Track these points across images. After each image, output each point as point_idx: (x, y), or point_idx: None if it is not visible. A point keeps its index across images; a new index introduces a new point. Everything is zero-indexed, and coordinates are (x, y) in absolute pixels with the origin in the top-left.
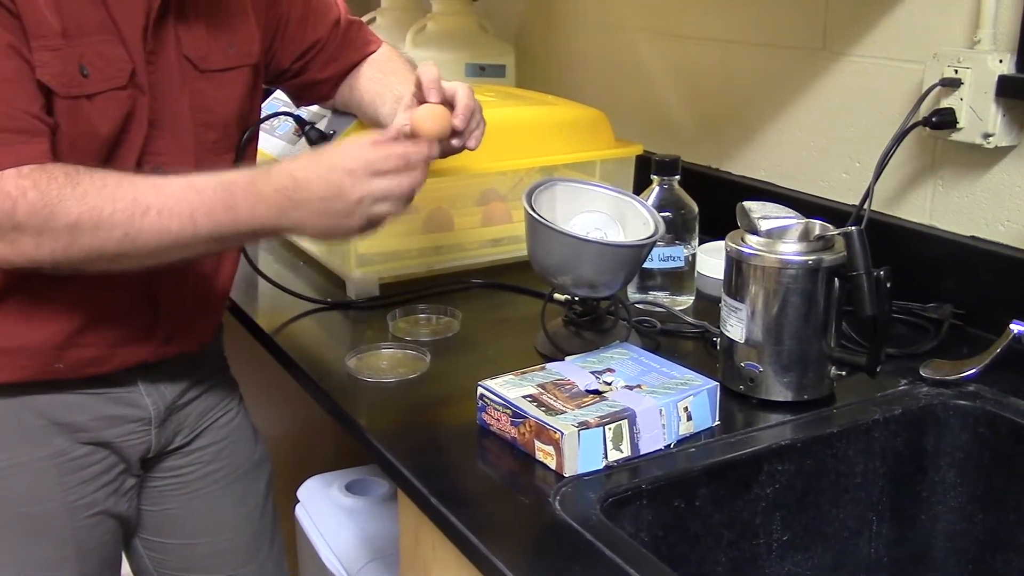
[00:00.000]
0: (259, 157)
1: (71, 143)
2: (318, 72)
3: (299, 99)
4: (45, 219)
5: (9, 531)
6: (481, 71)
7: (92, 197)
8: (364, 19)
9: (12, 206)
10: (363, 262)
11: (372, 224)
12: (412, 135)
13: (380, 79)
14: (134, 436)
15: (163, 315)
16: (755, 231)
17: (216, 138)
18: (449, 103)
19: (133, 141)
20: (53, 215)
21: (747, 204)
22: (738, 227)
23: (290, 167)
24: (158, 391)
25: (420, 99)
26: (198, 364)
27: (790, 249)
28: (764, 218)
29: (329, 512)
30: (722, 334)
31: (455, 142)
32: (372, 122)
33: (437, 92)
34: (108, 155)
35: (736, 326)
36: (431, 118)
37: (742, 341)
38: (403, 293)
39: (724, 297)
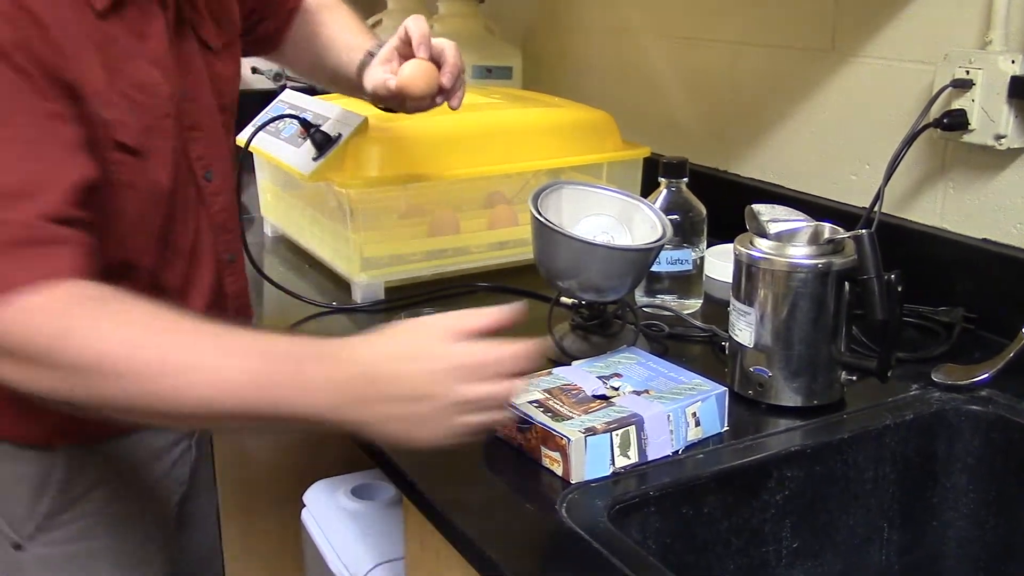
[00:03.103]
0: (263, 160)
1: (141, 199)
2: (259, 30)
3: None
4: (47, 351)
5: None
6: (488, 73)
7: (115, 339)
8: (370, 21)
9: (21, 331)
10: (368, 266)
11: (464, 434)
12: (398, 92)
13: (328, 22)
14: (187, 454)
15: (231, 309)
16: (764, 234)
17: (226, 119)
18: (436, 60)
19: (167, 150)
20: (57, 350)
21: (756, 207)
22: (746, 230)
23: (358, 351)
24: None
25: (404, 53)
26: None
27: (799, 252)
28: (773, 221)
29: (335, 517)
30: (731, 338)
31: (438, 100)
32: (323, 74)
33: (427, 48)
34: (171, 188)
35: (745, 330)
36: (421, 76)
37: (751, 346)
38: (409, 297)
39: (732, 301)
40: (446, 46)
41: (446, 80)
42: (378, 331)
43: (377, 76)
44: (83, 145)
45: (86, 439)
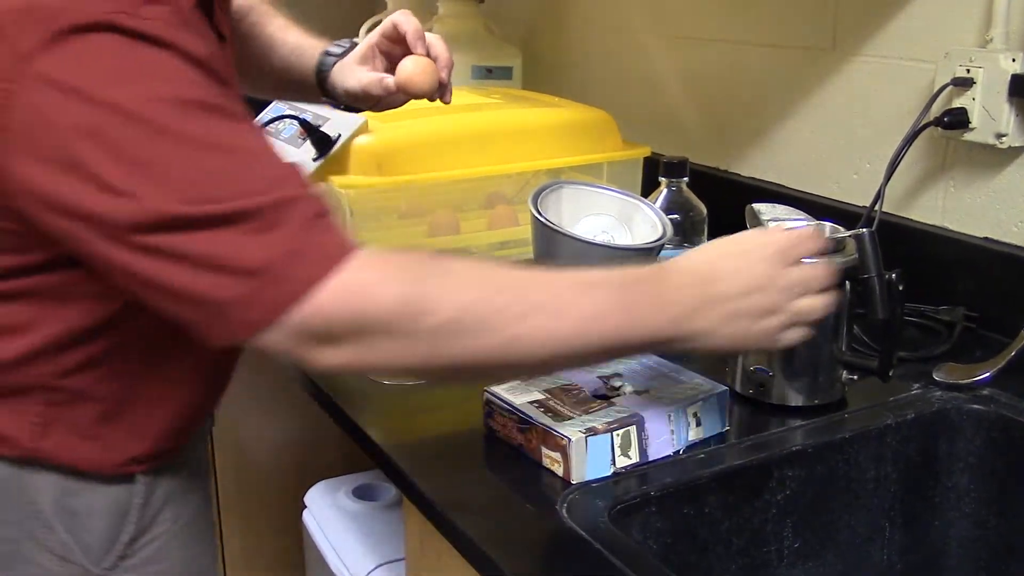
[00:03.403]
0: None
1: None
2: None
3: None
4: (410, 320)
5: None
6: (488, 73)
7: (469, 291)
8: (369, 22)
9: (367, 307)
10: None
11: (795, 325)
12: (399, 90)
13: (263, 30)
14: (206, 454)
15: None
16: None
17: None
18: (430, 55)
19: None
20: (421, 314)
21: (757, 206)
22: (746, 229)
23: (691, 260)
24: None
25: (386, 50)
26: None
27: None
28: (774, 220)
29: (336, 517)
30: None
31: (438, 95)
32: (265, 78)
33: (423, 44)
34: None
35: None
36: (423, 72)
37: None
38: None
39: None
40: (435, 40)
41: (445, 75)
42: (699, 247)
43: (363, 76)
44: None
45: (158, 462)
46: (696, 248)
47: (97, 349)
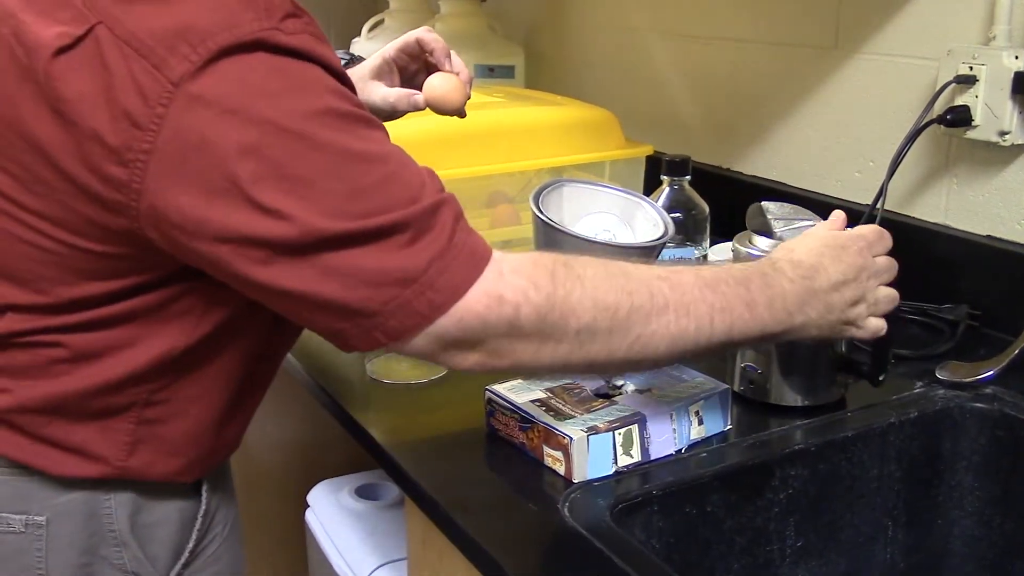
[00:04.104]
0: None
1: None
2: None
3: None
4: (554, 323)
5: None
6: (490, 72)
7: (605, 292)
8: (372, 21)
9: (514, 311)
10: None
11: (875, 312)
12: (427, 106)
13: None
14: None
15: None
16: (766, 232)
17: None
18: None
19: None
20: (564, 317)
21: (765, 204)
22: (746, 229)
23: (797, 253)
24: None
25: (403, 65)
26: None
27: None
28: (778, 219)
29: (339, 517)
30: None
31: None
32: None
33: (451, 61)
34: None
35: None
36: (453, 90)
37: None
38: None
39: None
40: (455, 57)
41: (469, 91)
42: (800, 237)
43: (388, 91)
44: None
45: (217, 466)
46: (798, 239)
47: (190, 367)
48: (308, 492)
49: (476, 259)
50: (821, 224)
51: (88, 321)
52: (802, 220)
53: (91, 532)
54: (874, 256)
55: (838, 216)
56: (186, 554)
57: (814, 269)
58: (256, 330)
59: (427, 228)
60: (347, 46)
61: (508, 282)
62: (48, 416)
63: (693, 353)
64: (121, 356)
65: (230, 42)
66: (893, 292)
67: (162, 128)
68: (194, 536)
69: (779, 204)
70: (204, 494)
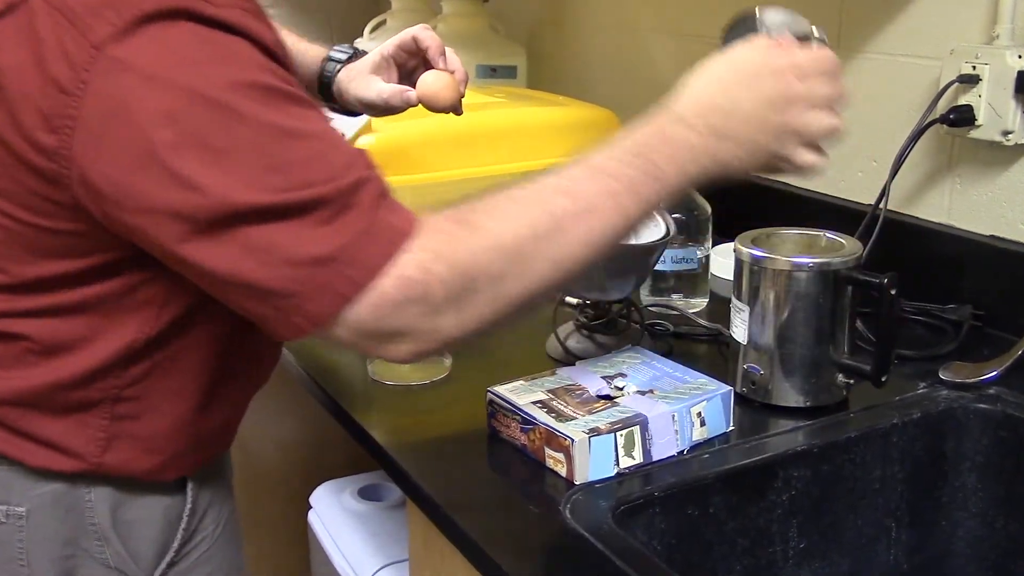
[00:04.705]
0: None
1: None
2: None
3: None
4: (464, 287)
5: None
6: (492, 72)
7: (505, 234)
8: (374, 22)
9: (423, 289)
10: None
11: (797, 144)
12: (420, 103)
13: None
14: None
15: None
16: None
17: None
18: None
19: None
20: (471, 278)
21: (760, 9)
22: (749, 229)
23: (698, 95)
24: None
25: (401, 62)
26: None
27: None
28: (769, 31)
29: (341, 518)
30: (731, 337)
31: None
32: None
33: (445, 59)
34: None
35: (740, 327)
36: (448, 88)
37: (744, 342)
38: None
39: (733, 299)
40: (451, 55)
41: (462, 89)
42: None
43: (383, 87)
44: None
45: (203, 465)
46: (710, 67)
47: (160, 360)
48: (311, 493)
49: (394, 238)
50: (758, 42)
51: (51, 307)
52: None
53: (72, 525)
54: (809, 81)
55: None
56: (171, 553)
57: (724, 112)
58: (222, 320)
59: (348, 206)
60: None
61: (414, 259)
62: (23, 409)
63: (620, 239)
64: (87, 348)
65: (154, 8)
66: (831, 122)
67: (86, 93)
68: (179, 535)
69: (776, 10)
70: (190, 492)
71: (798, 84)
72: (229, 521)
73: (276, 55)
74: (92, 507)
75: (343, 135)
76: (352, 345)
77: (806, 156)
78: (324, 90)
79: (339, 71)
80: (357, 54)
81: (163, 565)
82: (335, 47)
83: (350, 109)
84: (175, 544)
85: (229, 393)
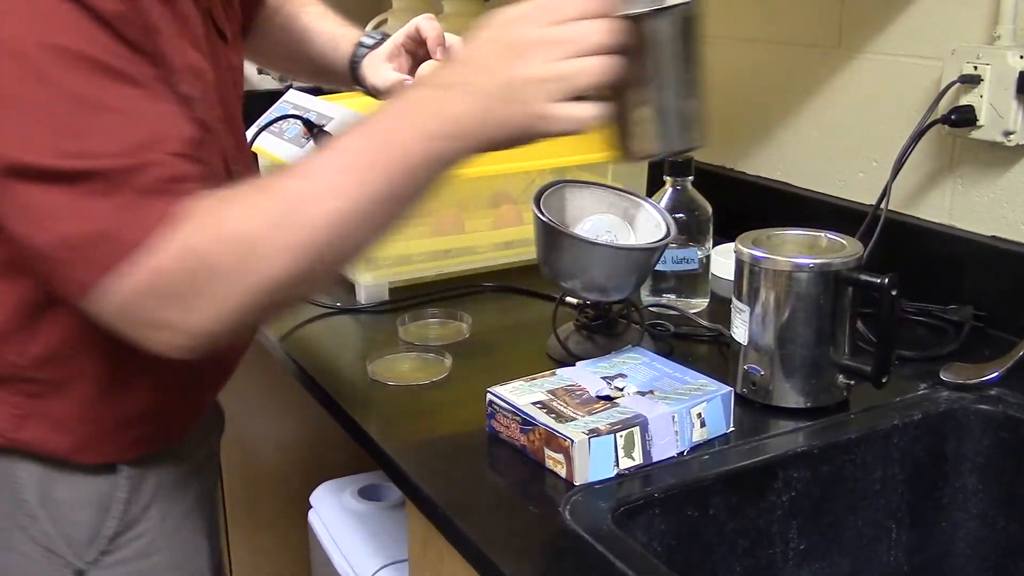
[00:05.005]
0: (267, 160)
1: (206, 184)
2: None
3: None
4: (209, 280)
5: None
6: None
7: (241, 225)
8: (375, 21)
9: (170, 280)
10: (373, 266)
11: (554, 95)
12: None
13: (300, 18)
14: (214, 448)
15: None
16: None
17: (239, 112)
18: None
19: (216, 144)
20: (217, 272)
21: None
22: (751, 229)
23: (453, 56)
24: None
25: (411, 50)
26: None
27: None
28: None
29: (341, 518)
30: (732, 338)
31: None
32: (302, 65)
33: (443, 50)
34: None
35: (740, 328)
36: None
37: (744, 343)
38: (413, 297)
39: (733, 300)
40: (455, 43)
41: None
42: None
43: (388, 74)
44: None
45: (144, 456)
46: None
47: (58, 338)
48: (311, 493)
49: (154, 224)
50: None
51: None
52: None
53: (6, 498)
54: (563, 26)
55: None
56: (103, 540)
57: (460, 63)
58: None
59: (122, 184)
60: None
61: (168, 248)
62: None
63: (377, 217)
64: None
65: None
66: (591, 63)
67: None
68: (113, 523)
69: None
70: (125, 479)
71: (543, 27)
72: (189, 518)
73: (115, 27)
74: (22, 482)
75: (167, 119)
76: (119, 328)
77: (565, 109)
78: (354, 74)
79: (365, 56)
80: (384, 40)
81: (95, 551)
82: (367, 33)
83: (371, 94)
84: (108, 531)
85: (147, 377)
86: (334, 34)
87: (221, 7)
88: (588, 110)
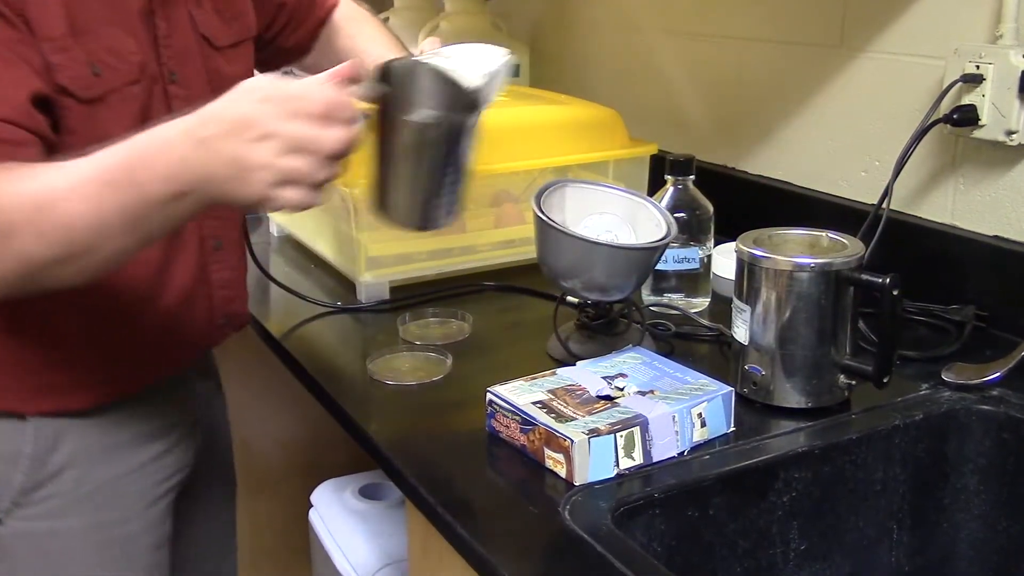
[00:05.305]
0: None
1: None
2: (286, 39)
3: (268, 67)
4: None
5: (104, 558)
6: None
7: (3, 200)
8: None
9: None
10: (373, 265)
11: (278, 183)
12: None
13: (353, 34)
14: (189, 437)
15: (217, 299)
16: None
17: None
18: None
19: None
20: None
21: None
22: (751, 228)
23: (215, 105)
24: (203, 383)
25: None
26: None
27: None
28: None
29: (342, 517)
30: (732, 337)
31: None
32: None
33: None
34: None
35: (741, 327)
36: None
37: (745, 343)
38: (414, 296)
39: (734, 299)
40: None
41: None
42: None
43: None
44: (39, 71)
45: (50, 412)
46: (245, 83)
47: None
48: (312, 492)
49: None
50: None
51: None
52: (475, 58)
53: None
54: (293, 121)
55: (335, 72)
56: (12, 491)
57: (203, 118)
58: None
59: None
60: None
61: None
62: None
63: (99, 239)
64: None
65: None
66: (315, 168)
67: None
68: (19, 477)
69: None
70: (32, 434)
71: (284, 121)
72: (105, 489)
73: None
74: None
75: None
76: None
77: (284, 197)
78: None
79: None
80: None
81: (6, 501)
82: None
83: None
84: (16, 484)
85: (50, 325)
86: (374, 56)
87: (218, 19)
88: (303, 200)
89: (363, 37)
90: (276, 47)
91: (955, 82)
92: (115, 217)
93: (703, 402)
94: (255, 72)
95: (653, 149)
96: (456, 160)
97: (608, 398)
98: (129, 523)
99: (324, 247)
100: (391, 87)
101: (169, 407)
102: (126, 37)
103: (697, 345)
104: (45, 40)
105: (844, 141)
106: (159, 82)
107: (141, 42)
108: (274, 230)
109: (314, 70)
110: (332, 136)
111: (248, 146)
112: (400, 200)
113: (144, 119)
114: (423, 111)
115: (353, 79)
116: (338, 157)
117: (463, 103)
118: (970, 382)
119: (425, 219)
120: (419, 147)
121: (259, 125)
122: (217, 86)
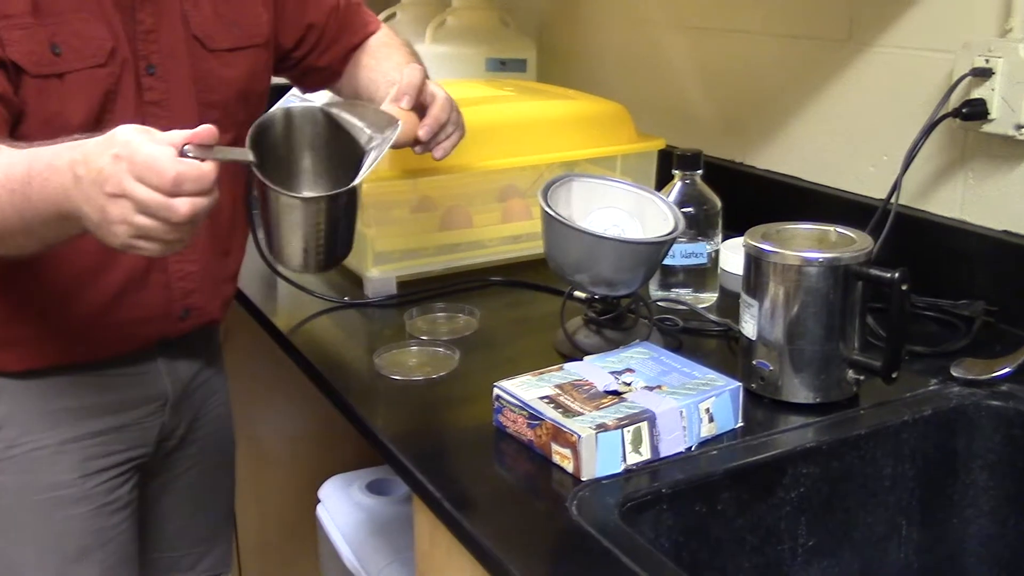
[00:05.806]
0: None
1: (42, 124)
2: (317, 58)
3: (303, 85)
4: None
5: (34, 519)
6: (502, 66)
7: None
8: (384, 15)
9: None
10: (381, 260)
11: (136, 237)
12: None
13: (374, 65)
14: (152, 418)
15: (176, 290)
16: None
17: (218, 117)
18: (420, 110)
19: (122, 119)
20: None
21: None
22: (759, 223)
23: (98, 137)
24: (176, 371)
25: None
26: (208, 343)
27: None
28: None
29: (350, 512)
30: (740, 332)
31: (417, 149)
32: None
33: (410, 99)
34: (85, 130)
35: (749, 322)
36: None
37: (753, 338)
38: (421, 291)
39: (742, 294)
40: (436, 98)
41: (422, 133)
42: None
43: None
44: None
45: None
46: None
47: None
48: (319, 487)
49: None
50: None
51: None
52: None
53: None
54: (141, 184)
55: (193, 135)
56: None
57: (87, 157)
58: None
59: None
60: None
61: None
62: None
63: (4, 232)
64: None
65: None
66: (166, 234)
67: None
68: None
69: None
70: None
71: (142, 186)
72: (50, 462)
73: None
74: None
75: None
76: None
77: (141, 247)
78: None
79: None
80: None
81: None
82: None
83: None
84: None
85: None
86: (387, 79)
87: (217, 23)
88: (164, 251)
89: (388, 62)
90: (307, 66)
91: (964, 76)
92: (15, 221)
93: (711, 397)
94: (271, 79)
95: (661, 144)
96: (333, 218)
97: (615, 393)
98: (61, 489)
99: None
100: (264, 152)
101: (128, 385)
102: (96, 23)
103: (705, 340)
104: (2, 17)
105: (852, 135)
106: (131, 72)
107: (115, 31)
108: None
109: (344, 94)
110: (179, 207)
111: (107, 200)
112: (284, 249)
113: (108, 103)
114: (290, 196)
115: (209, 145)
116: (188, 223)
117: (328, 199)
118: (979, 377)
119: (308, 266)
120: (289, 214)
121: (112, 182)
122: (205, 87)
